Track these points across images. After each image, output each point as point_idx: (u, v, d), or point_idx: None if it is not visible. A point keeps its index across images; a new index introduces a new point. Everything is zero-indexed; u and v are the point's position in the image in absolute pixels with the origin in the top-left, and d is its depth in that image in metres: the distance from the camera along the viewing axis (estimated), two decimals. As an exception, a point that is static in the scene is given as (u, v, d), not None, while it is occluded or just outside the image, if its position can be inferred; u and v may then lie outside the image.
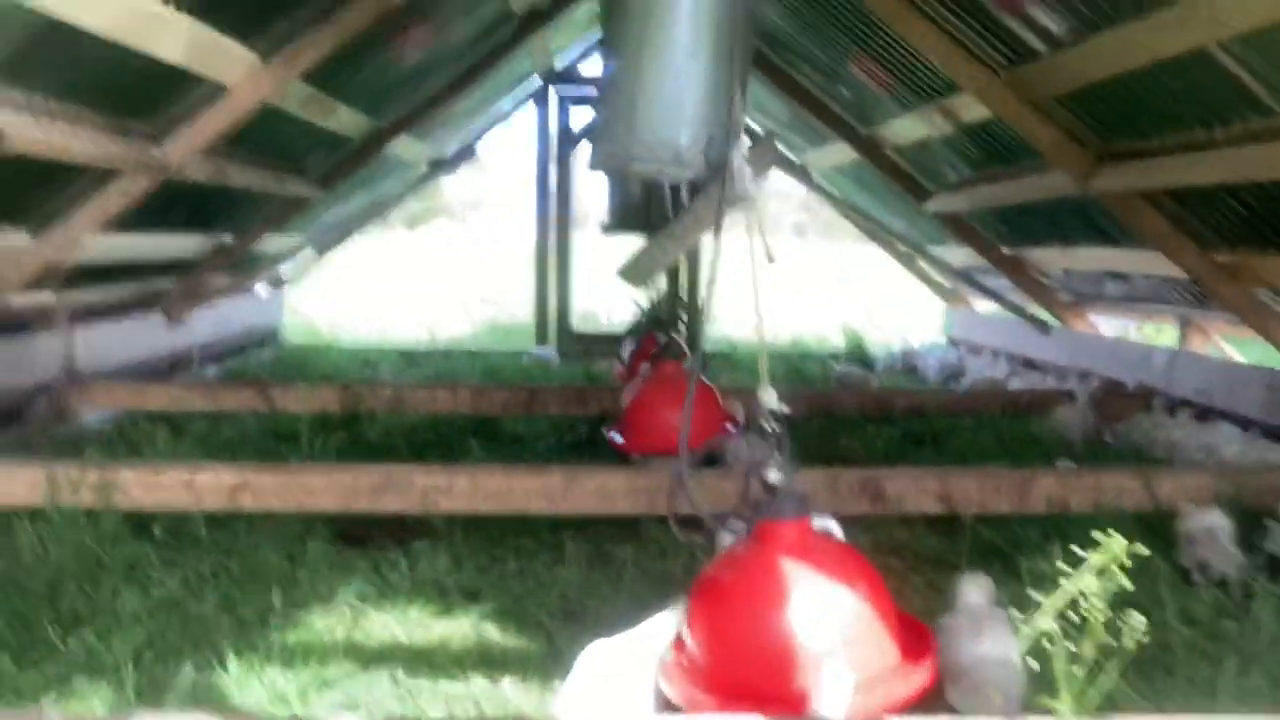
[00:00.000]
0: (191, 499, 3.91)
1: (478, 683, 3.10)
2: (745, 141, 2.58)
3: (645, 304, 7.05)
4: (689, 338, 5.77)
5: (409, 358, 9.51)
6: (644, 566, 3.93)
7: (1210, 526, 3.59)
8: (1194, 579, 3.57)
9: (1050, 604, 1.63)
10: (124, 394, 5.89)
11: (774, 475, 2.40)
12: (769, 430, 2.40)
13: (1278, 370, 5.32)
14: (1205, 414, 5.52)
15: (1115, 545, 1.61)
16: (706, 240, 2.82)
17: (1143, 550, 2.10)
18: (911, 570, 4.00)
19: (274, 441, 5.48)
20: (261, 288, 9.55)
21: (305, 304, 11.50)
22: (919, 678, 2.25)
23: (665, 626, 2.51)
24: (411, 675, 3.10)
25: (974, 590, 2.68)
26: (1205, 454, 4.93)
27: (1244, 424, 5.18)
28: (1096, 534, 1.67)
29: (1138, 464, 4.95)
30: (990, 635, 2.53)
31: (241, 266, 8.03)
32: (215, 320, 7.97)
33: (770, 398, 2.43)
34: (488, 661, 3.22)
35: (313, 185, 7.47)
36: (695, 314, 7.01)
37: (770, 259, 2.46)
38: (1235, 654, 2.80)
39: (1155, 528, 3.91)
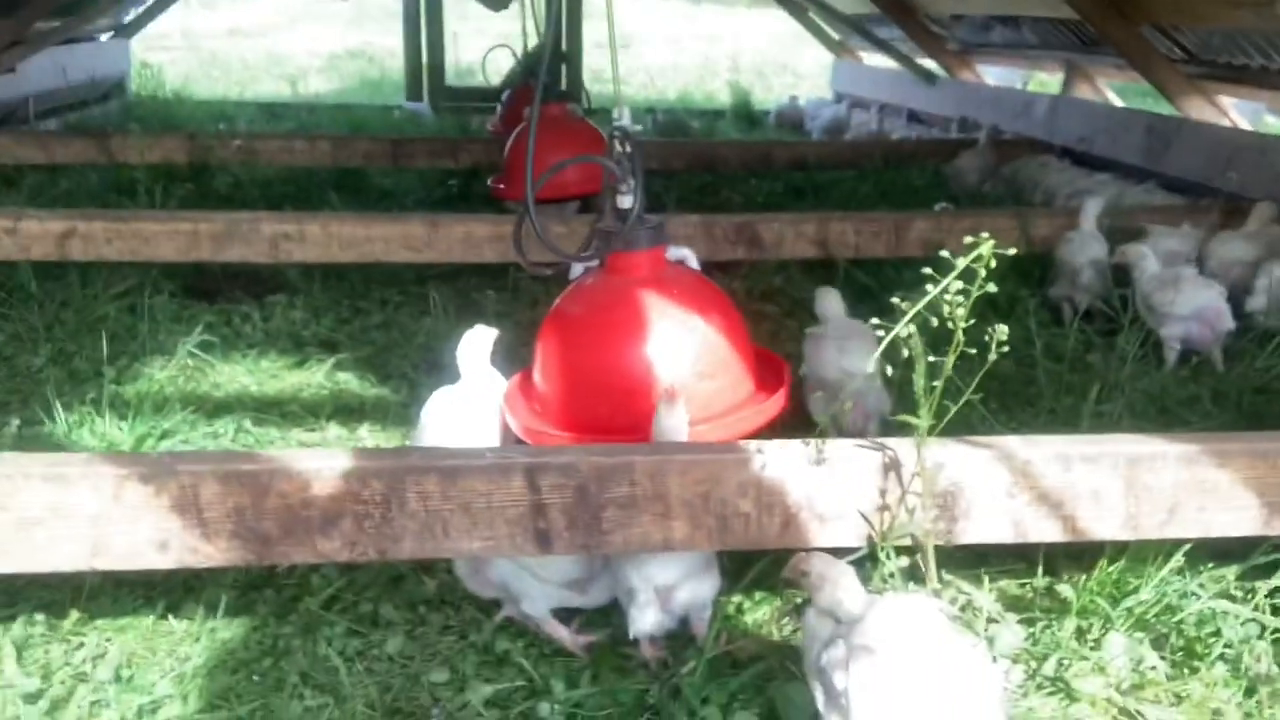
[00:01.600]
0: (15, 248, 3.60)
1: (333, 431, 2.97)
2: None
3: (522, 55, 6.64)
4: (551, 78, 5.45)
5: (269, 111, 8.93)
6: (514, 315, 3.78)
7: (1079, 259, 3.58)
8: (1064, 314, 3.58)
9: (911, 308, 1.50)
10: (-56, 146, 5.37)
11: (625, 201, 2.22)
12: (621, 151, 2.19)
13: (1157, 114, 5.26)
14: (1086, 160, 5.48)
15: (985, 247, 1.48)
16: None
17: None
18: (787, 315, 3.94)
19: (115, 195, 5.08)
20: (103, 35, 8.75)
21: (156, 56, 10.65)
22: (771, 407, 2.18)
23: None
24: (260, 425, 2.95)
25: (832, 300, 2.62)
26: (1083, 199, 4.88)
27: (1124, 170, 5.15)
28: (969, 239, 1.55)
29: (1016, 206, 4.91)
30: (855, 348, 2.48)
31: (74, 9, 7.27)
32: (52, 70, 7.28)
33: (624, 116, 2.21)
34: (345, 411, 3.09)
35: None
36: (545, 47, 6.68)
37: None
38: (1100, 384, 2.80)
39: (1030, 271, 3.91)
